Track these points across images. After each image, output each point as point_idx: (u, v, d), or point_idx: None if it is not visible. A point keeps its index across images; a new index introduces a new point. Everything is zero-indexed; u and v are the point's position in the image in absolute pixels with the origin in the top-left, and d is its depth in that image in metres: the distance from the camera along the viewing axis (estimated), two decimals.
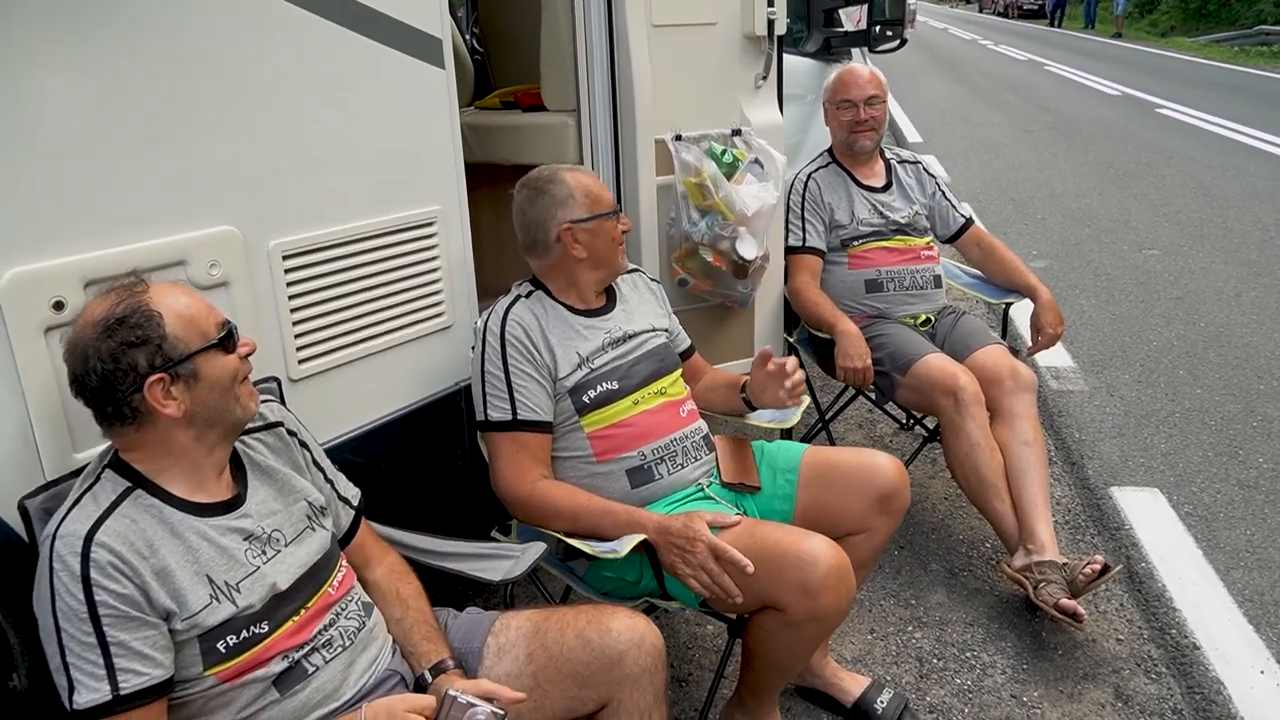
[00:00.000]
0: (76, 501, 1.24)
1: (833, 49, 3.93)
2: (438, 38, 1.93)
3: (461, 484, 2.18)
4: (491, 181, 2.65)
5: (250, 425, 1.44)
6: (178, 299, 1.28)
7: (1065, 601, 2.19)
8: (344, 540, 1.54)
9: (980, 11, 37.53)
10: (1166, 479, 2.99)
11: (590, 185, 1.93)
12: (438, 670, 1.46)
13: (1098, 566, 2.23)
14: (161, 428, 1.25)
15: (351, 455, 1.87)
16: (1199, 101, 11.09)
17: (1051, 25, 26.56)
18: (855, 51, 4.23)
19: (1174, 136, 9.18)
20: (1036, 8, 30.22)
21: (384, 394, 1.95)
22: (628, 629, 1.48)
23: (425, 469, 2.09)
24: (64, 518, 1.22)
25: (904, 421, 3.40)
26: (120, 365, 1.21)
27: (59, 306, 1.36)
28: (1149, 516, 2.77)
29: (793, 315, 2.93)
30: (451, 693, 1.30)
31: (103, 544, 1.19)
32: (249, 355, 1.35)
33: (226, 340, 1.30)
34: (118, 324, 1.22)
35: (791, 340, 2.98)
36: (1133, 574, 2.51)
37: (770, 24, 2.53)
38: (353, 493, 1.58)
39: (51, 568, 1.18)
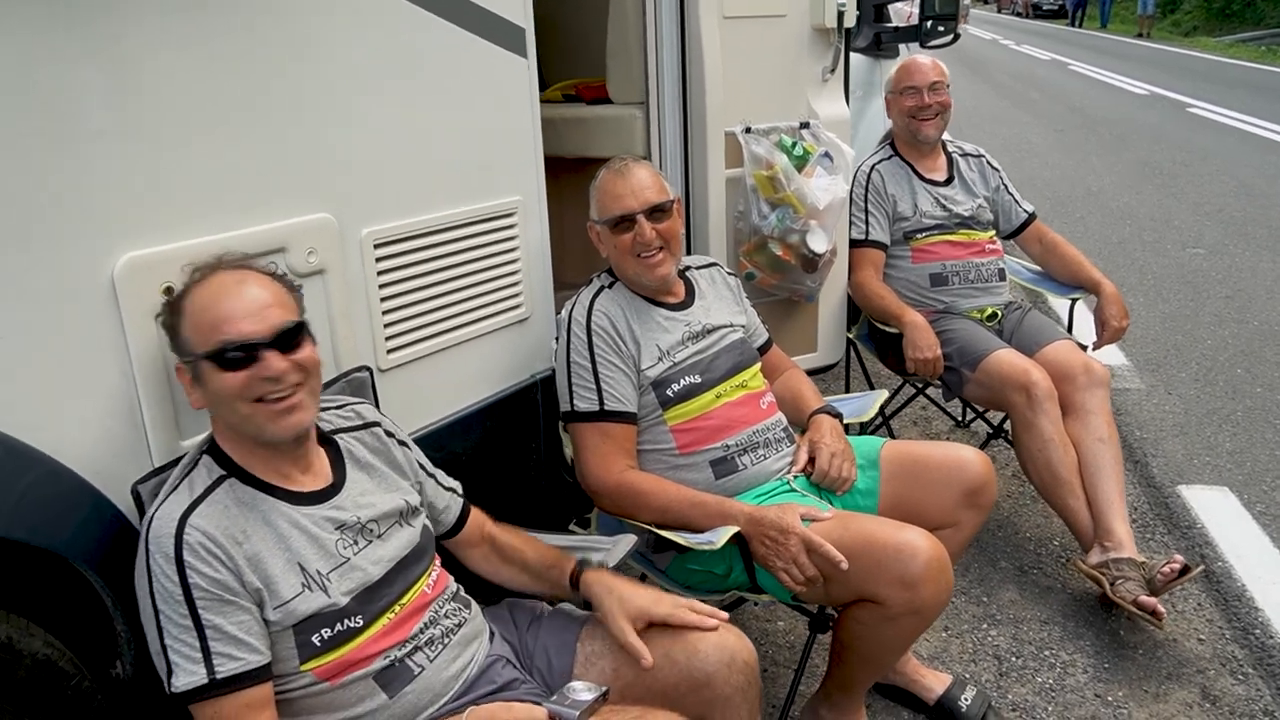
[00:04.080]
0: (174, 488, 1.24)
1: (882, 44, 3.90)
2: (521, 27, 1.92)
3: (535, 477, 2.17)
4: (554, 175, 2.63)
5: (347, 424, 1.44)
6: (210, 300, 1.22)
7: (1145, 598, 2.15)
8: (457, 527, 1.54)
9: (999, 11, 37.35)
10: (1235, 477, 2.94)
11: (611, 185, 1.85)
12: (577, 575, 1.49)
13: (1177, 566, 2.20)
14: (220, 422, 1.28)
15: (430, 449, 1.86)
16: (1230, 100, 10.98)
17: (1072, 25, 26.39)
18: (903, 47, 4.21)
19: (1208, 135, 9.09)
20: (1056, 8, 30.04)
21: (464, 386, 1.94)
22: (716, 648, 1.42)
23: (500, 462, 2.08)
24: (162, 502, 1.22)
25: (960, 418, 3.36)
26: (168, 340, 1.27)
27: (169, 292, 1.35)
28: (1221, 515, 2.73)
29: (852, 311, 2.91)
30: (549, 705, 1.29)
31: (196, 526, 1.19)
32: (276, 378, 1.22)
33: (222, 357, 1.20)
34: (167, 305, 1.27)
35: (851, 336, 2.96)
36: (1209, 573, 2.47)
37: (840, 16, 2.51)
38: (454, 483, 1.57)
39: (148, 550, 1.18)
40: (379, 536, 1.35)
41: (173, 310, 1.25)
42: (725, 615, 1.46)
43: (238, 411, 1.24)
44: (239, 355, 1.21)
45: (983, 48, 21.01)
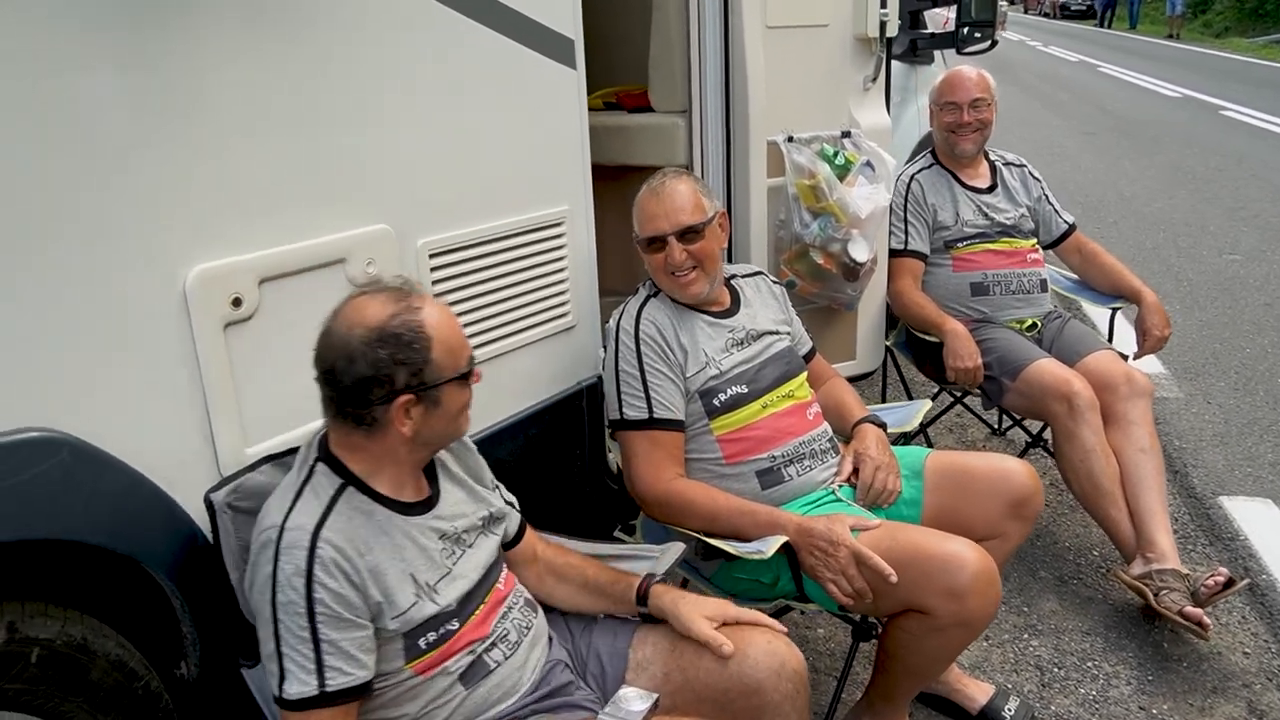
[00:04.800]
0: (299, 494, 1.26)
1: (918, 51, 3.90)
2: (571, 38, 1.94)
3: (580, 484, 2.19)
4: (594, 183, 2.66)
5: None
6: (445, 324, 1.29)
7: (1190, 610, 2.14)
8: (514, 541, 1.56)
9: (1025, 12, 37.02)
10: (1277, 488, 2.91)
11: (646, 205, 1.87)
12: (645, 590, 1.50)
13: (1222, 579, 2.18)
14: (390, 440, 1.28)
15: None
16: (1264, 103, 10.83)
17: (1100, 26, 26.12)
18: (937, 54, 4.20)
19: (1241, 139, 8.97)
20: (1084, 8, 29.74)
21: (512, 393, 1.97)
22: (766, 655, 1.43)
23: (546, 469, 2.10)
24: (290, 509, 1.24)
25: (996, 426, 3.36)
26: (379, 376, 1.23)
27: (237, 303, 1.39)
28: (1264, 527, 2.70)
29: (889, 318, 2.91)
30: (605, 717, 1.31)
31: (328, 540, 1.22)
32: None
33: (469, 374, 1.32)
34: (393, 338, 1.23)
35: (889, 344, 2.96)
36: (1253, 586, 2.45)
37: (882, 25, 2.52)
38: (512, 497, 1.59)
39: (277, 559, 1.20)
40: (470, 545, 1.40)
41: (416, 341, 1.25)
42: (783, 628, 1.48)
43: (456, 422, 1.33)
44: (473, 370, 1.34)
45: (1010, 49, 20.84)
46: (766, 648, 1.43)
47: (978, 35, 3.77)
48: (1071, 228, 2.90)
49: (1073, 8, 30.97)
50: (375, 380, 1.23)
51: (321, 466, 1.29)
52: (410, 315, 1.25)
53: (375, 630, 1.25)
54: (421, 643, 1.29)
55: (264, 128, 1.41)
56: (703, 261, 1.85)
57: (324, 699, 1.19)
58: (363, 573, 1.23)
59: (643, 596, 1.50)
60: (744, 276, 2.07)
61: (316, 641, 1.19)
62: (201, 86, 1.32)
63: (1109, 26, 25.85)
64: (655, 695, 1.32)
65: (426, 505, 1.36)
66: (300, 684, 1.19)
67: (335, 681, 1.20)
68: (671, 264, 1.83)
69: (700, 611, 1.46)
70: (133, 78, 1.24)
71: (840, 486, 1.91)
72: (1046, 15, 33.75)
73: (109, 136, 1.22)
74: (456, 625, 1.33)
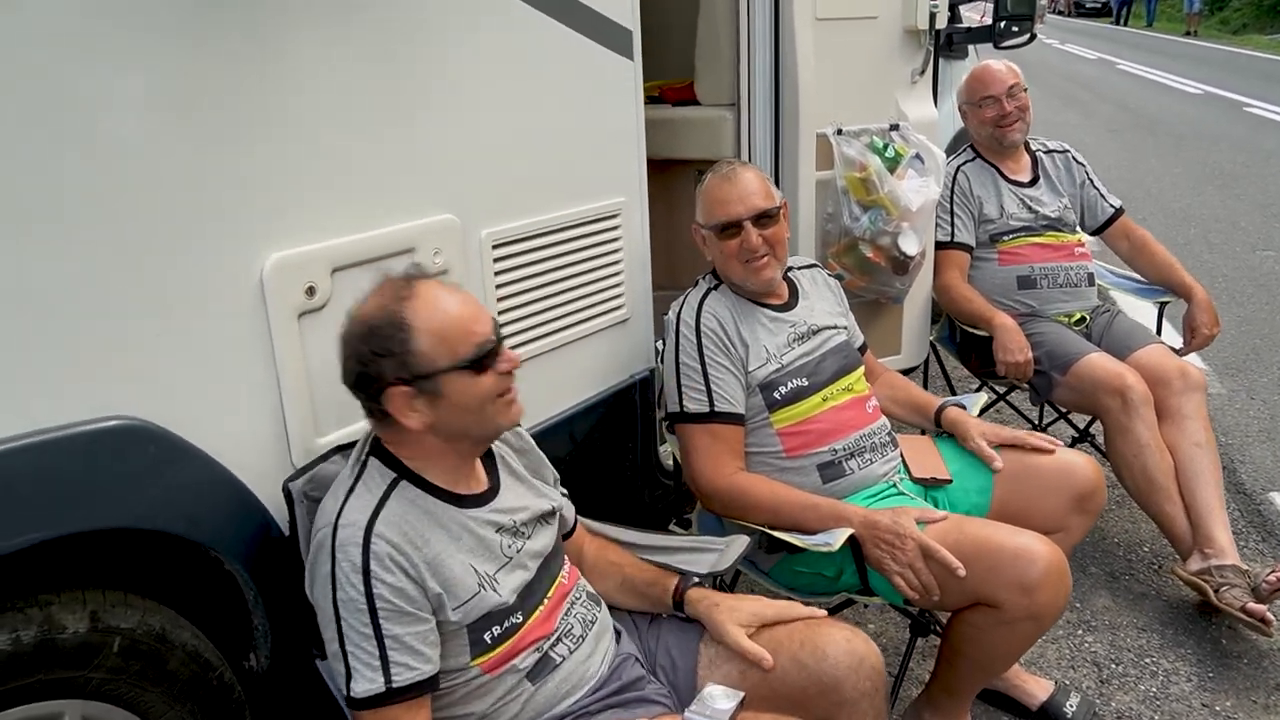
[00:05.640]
0: (351, 490, 1.25)
1: (954, 45, 3.87)
2: (629, 29, 1.93)
3: (632, 477, 2.18)
4: None
5: None
6: (439, 312, 1.23)
7: (1253, 605, 2.11)
8: (570, 532, 1.55)
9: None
10: None
11: (718, 191, 1.83)
12: (680, 594, 1.48)
13: None
14: (413, 434, 1.25)
15: None
16: None
17: (1117, 23, 25.96)
18: (971, 48, 4.16)
19: (1269, 136, 8.89)
20: (1099, 6, 29.56)
21: (568, 386, 1.96)
22: (846, 652, 1.41)
23: (600, 462, 2.09)
24: (342, 506, 1.23)
25: (1037, 423, 3.32)
26: (369, 370, 1.23)
27: (311, 292, 1.39)
28: None
29: (932, 312, 2.88)
30: (691, 714, 1.28)
31: (381, 535, 1.20)
32: (511, 370, 1.28)
33: (479, 361, 1.24)
34: (373, 331, 1.22)
35: (931, 338, 2.93)
36: None
37: (932, 17, 2.50)
38: (565, 490, 1.58)
39: (334, 557, 1.20)
40: (529, 537, 1.38)
41: (394, 332, 1.21)
42: (823, 612, 1.48)
43: (482, 413, 1.26)
44: (489, 356, 1.25)
45: (1027, 47, 20.69)
46: (845, 645, 1.41)
47: (1015, 29, 3.73)
48: (1119, 211, 2.85)
49: (1088, 5, 30.79)
50: (366, 375, 1.22)
51: (374, 461, 1.28)
52: (395, 305, 1.22)
53: (438, 624, 1.24)
54: (487, 637, 1.27)
55: (340, 118, 1.40)
56: (775, 247, 1.83)
57: (392, 695, 1.18)
58: (419, 566, 1.21)
59: (679, 601, 1.48)
60: (801, 269, 2.05)
61: (380, 638, 1.18)
62: (279, 80, 1.32)
63: (1125, 24, 25.68)
64: (742, 694, 1.30)
65: (485, 498, 1.34)
66: (367, 681, 1.18)
67: (402, 677, 1.18)
68: (747, 249, 1.81)
69: (734, 619, 1.42)
70: (213, 71, 1.24)
71: (902, 480, 1.89)
72: (1061, 13, 33.55)
73: (191, 127, 1.22)
74: (521, 619, 1.31)
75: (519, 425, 1.49)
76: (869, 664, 1.42)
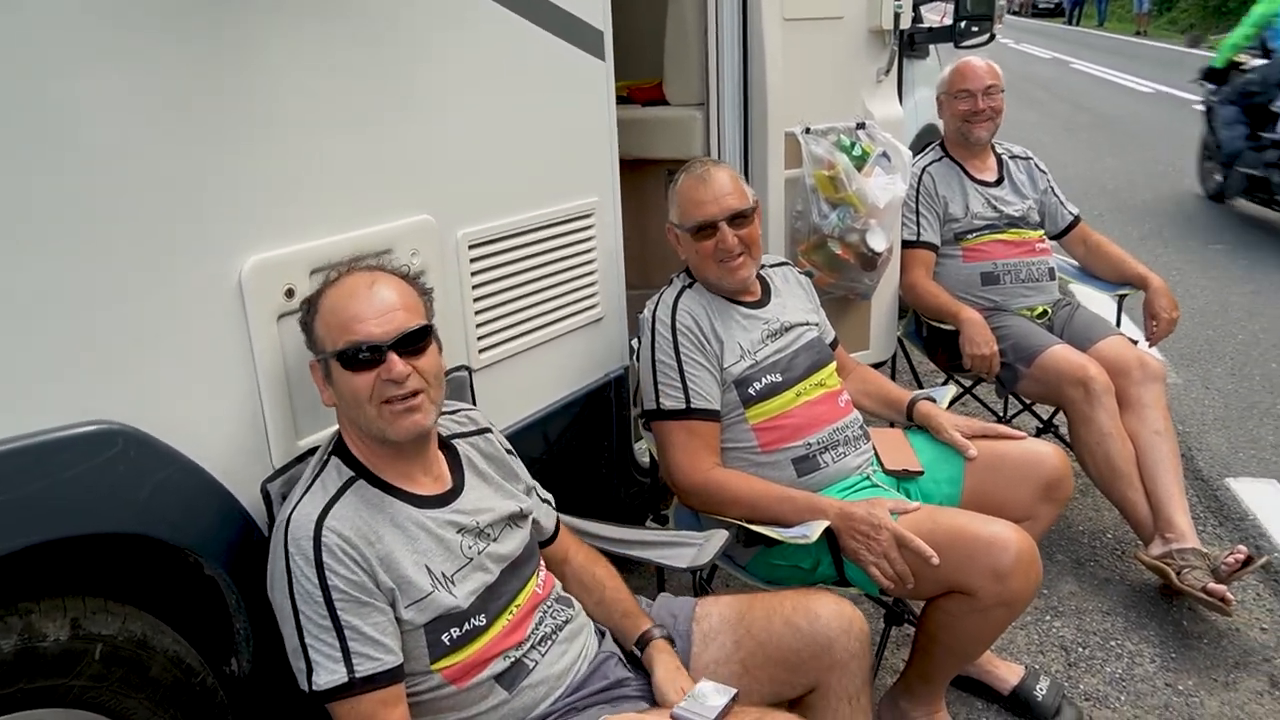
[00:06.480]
0: (308, 488, 1.27)
1: (915, 45, 3.93)
2: (600, 29, 1.94)
3: (608, 475, 2.19)
4: None
5: (462, 430, 1.47)
6: (339, 300, 1.26)
7: (1214, 586, 2.17)
8: (550, 539, 1.55)
9: None
10: None
11: (693, 191, 1.85)
12: (644, 641, 1.47)
13: (1241, 556, 2.22)
14: (344, 423, 1.31)
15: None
16: None
17: (1069, 23, 26.48)
18: (932, 48, 4.23)
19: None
20: (1052, 6, 30.13)
21: (543, 385, 1.97)
22: (836, 615, 1.48)
23: (575, 461, 2.10)
24: (297, 503, 1.25)
25: (1002, 415, 3.39)
26: (305, 338, 1.31)
27: (290, 294, 1.38)
28: (1272, 507, 2.76)
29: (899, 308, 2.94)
30: (680, 711, 1.30)
31: (332, 529, 1.21)
32: (398, 380, 1.23)
33: (351, 358, 1.23)
34: (304, 302, 1.31)
35: (899, 334, 2.98)
36: (1269, 564, 2.50)
37: (896, 17, 2.54)
38: (548, 495, 1.59)
39: (288, 552, 1.21)
40: (494, 540, 1.38)
41: (309, 308, 1.29)
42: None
43: (364, 412, 1.26)
44: (366, 356, 1.24)
45: (985, 47, 21.03)
46: (835, 608, 1.49)
47: (975, 29, 3.81)
48: (1076, 219, 2.94)
49: (1041, 5, 31.37)
50: (306, 340, 1.31)
51: (334, 460, 1.30)
52: (323, 285, 1.30)
53: (396, 619, 1.24)
54: (445, 639, 1.27)
55: (316, 120, 1.40)
56: (750, 246, 1.86)
57: (355, 685, 1.18)
58: (371, 560, 1.22)
59: (641, 644, 1.48)
60: (772, 267, 2.08)
61: (339, 629, 1.18)
62: (256, 82, 1.31)
63: (1078, 24, 26.21)
64: (734, 690, 1.32)
65: (446, 499, 1.34)
66: (329, 673, 1.18)
67: (364, 667, 1.19)
68: (723, 249, 1.83)
69: (675, 685, 1.38)
70: (188, 73, 1.23)
71: (875, 471, 1.93)
72: (1016, 13, 34.13)
73: (167, 130, 1.21)
74: (483, 622, 1.31)
75: (429, 431, 1.35)
76: (857, 627, 1.49)
